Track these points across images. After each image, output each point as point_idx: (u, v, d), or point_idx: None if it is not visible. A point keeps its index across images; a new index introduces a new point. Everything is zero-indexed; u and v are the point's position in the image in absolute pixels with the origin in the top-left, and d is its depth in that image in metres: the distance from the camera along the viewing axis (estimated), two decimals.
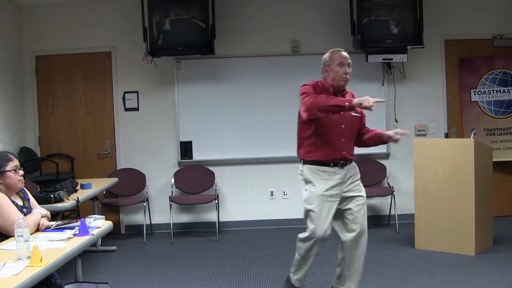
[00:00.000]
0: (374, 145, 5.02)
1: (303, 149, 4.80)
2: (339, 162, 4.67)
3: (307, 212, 4.68)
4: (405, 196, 7.93)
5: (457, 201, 6.34)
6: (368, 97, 4.30)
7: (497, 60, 8.09)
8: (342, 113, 4.58)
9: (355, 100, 4.33)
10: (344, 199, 4.71)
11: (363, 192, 4.81)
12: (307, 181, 4.73)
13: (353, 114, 4.72)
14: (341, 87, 4.69)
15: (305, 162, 4.77)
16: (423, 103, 8.19)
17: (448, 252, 6.40)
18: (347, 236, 4.71)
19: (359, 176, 4.84)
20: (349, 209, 4.70)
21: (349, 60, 4.69)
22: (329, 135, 4.66)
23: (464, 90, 8.13)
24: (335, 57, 4.69)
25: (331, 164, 4.66)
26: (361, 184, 4.84)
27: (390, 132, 4.76)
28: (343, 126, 4.68)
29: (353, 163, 4.83)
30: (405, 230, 7.44)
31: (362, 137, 4.95)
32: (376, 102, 4.29)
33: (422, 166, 6.62)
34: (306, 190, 4.74)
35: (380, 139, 4.86)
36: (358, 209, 4.70)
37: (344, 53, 4.72)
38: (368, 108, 4.25)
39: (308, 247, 4.74)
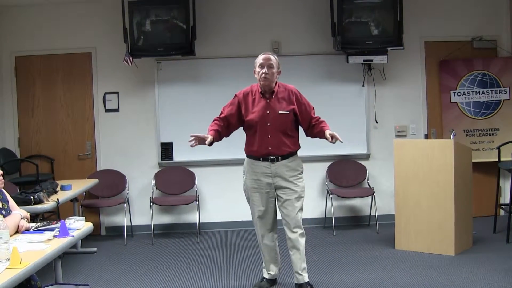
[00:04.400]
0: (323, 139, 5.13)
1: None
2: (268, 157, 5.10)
3: None
4: (385, 196, 7.98)
5: (437, 201, 6.38)
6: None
7: (476, 62, 8.15)
8: (268, 112, 5.03)
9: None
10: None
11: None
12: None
13: (280, 112, 5.04)
14: (264, 87, 5.08)
15: None
16: (403, 104, 8.23)
17: (428, 252, 6.44)
18: None
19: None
20: None
21: (271, 61, 5.02)
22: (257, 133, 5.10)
23: (444, 91, 8.19)
24: (257, 60, 5.12)
25: (261, 159, 5.14)
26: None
27: (327, 134, 4.96)
28: (268, 124, 5.04)
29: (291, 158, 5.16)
30: (385, 231, 7.48)
31: (312, 129, 5.20)
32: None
33: (402, 167, 6.65)
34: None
35: (324, 137, 5.05)
36: None
37: (265, 55, 5.08)
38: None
39: None
